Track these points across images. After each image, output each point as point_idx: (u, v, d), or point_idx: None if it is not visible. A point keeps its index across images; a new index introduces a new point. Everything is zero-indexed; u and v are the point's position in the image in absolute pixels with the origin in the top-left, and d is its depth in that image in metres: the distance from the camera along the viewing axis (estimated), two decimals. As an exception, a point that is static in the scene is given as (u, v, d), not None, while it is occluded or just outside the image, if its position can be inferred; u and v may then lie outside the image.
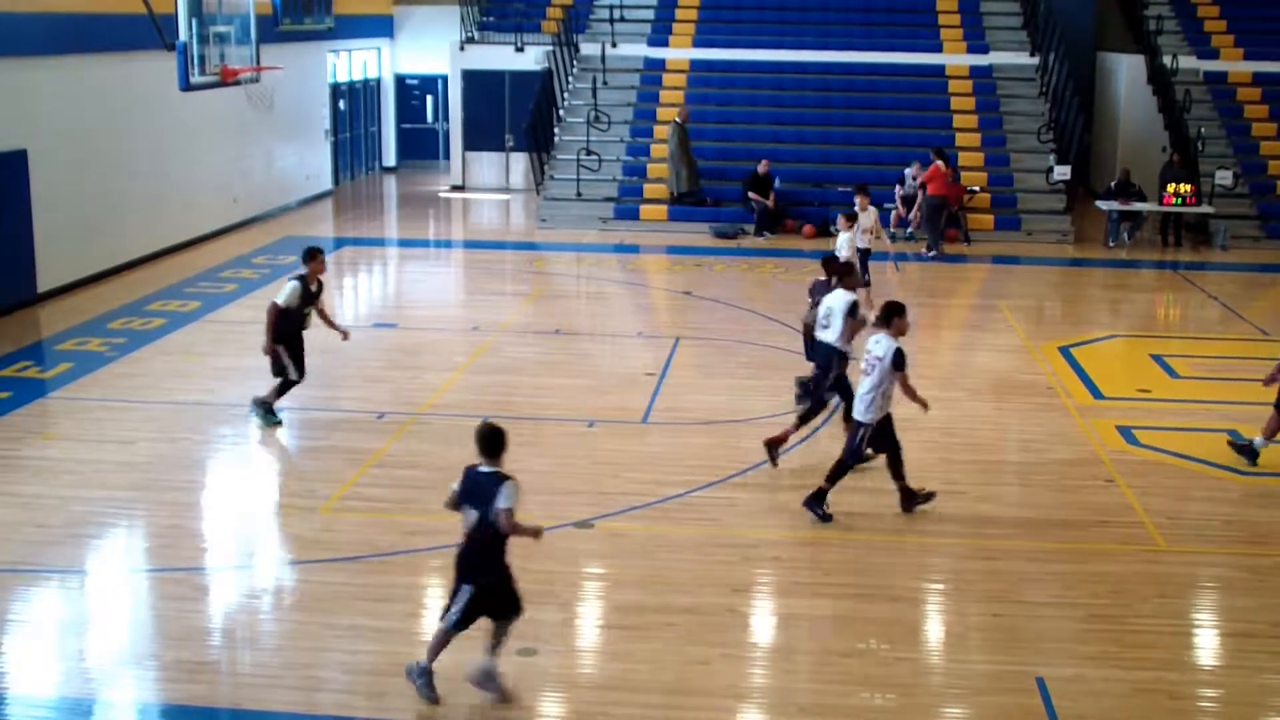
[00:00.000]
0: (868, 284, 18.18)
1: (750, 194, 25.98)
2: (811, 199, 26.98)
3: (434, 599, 10.23)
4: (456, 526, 11.02)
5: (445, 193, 31.51)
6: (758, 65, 30.21)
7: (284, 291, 13.66)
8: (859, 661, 9.06)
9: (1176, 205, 25.85)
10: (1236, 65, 30.00)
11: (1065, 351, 17.46)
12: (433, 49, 33.54)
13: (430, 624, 9.77)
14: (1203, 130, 27.81)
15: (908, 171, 25.78)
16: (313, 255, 13.91)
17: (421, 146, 35.84)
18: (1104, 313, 21.35)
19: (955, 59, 30.17)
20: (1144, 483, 12.60)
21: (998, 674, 8.95)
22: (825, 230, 25.93)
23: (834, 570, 10.55)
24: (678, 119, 26.55)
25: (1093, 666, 9.05)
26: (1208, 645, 9.76)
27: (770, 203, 25.91)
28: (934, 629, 9.89)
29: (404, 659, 8.98)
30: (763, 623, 9.91)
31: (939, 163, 24.72)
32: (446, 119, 33.47)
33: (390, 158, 35.72)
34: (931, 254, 24.46)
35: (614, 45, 30.50)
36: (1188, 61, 29.80)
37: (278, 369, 13.78)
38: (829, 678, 8.87)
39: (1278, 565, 10.83)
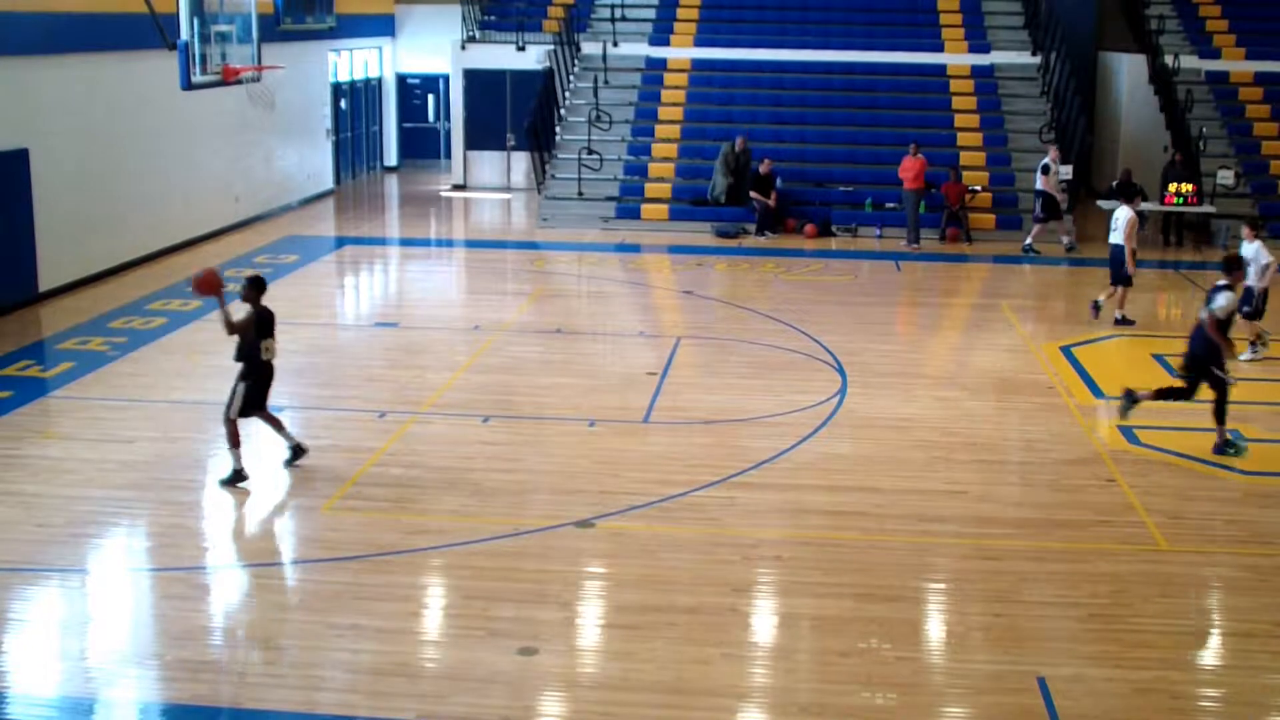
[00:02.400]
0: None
1: (752, 194, 25.97)
2: (813, 199, 26.98)
3: (435, 598, 10.25)
4: (458, 526, 11.12)
5: (446, 192, 31.53)
6: (759, 65, 30.23)
7: (1218, 300, 13.44)
8: (860, 661, 9.06)
9: (1178, 205, 25.83)
10: (1238, 65, 30.00)
11: (1067, 351, 17.45)
12: (434, 48, 33.60)
13: (431, 623, 9.79)
14: (1204, 130, 27.82)
15: (1048, 160, 25.49)
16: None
17: (423, 146, 35.88)
18: (1105, 312, 21.29)
19: (957, 58, 30.18)
20: (1145, 482, 12.59)
21: (999, 674, 8.94)
22: (827, 230, 26.02)
23: (835, 570, 10.54)
24: (737, 141, 26.71)
25: (1094, 666, 9.04)
26: (1209, 645, 9.75)
27: (772, 202, 25.91)
28: (935, 628, 9.87)
29: (405, 658, 9.00)
30: (764, 622, 9.90)
31: (910, 156, 24.87)
32: (448, 118, 33.49)
33: (392, 157, 35.74)
34: (914, 247, 24.70)
35: (615, 44, 30.51)
36: (1189, 61, 29.82)
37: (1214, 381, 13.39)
38: (830, 677, 8.86)
39: (1276, 564, 10.82)
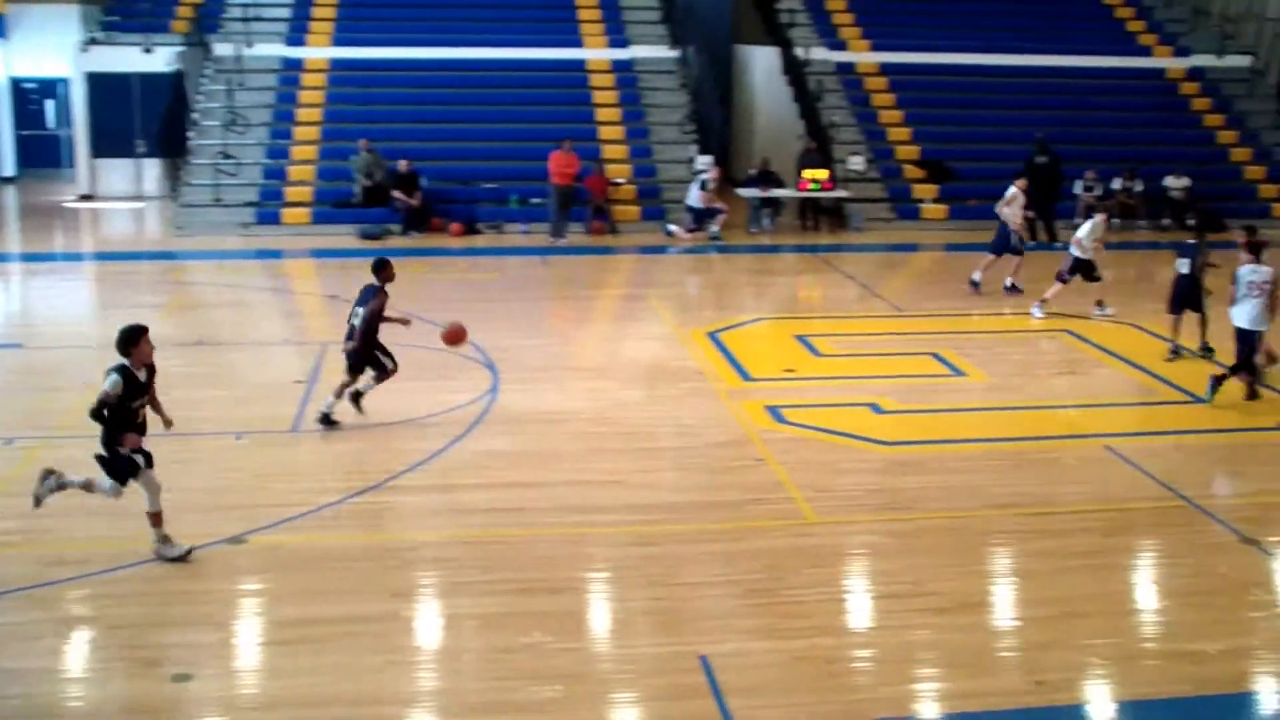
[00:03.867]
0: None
1: (394, 193, 25.64)
2: (458, 197, 26.82)
3: (78, 631, 9.61)
4: (100, 553, 10.48)
5: (72, 202, 29.82)
6: (400, 63, 29.83)
7: None
8: (525, 656, 9.00)
9: (813, 191, 26.92)
10: (864, 56, 31.47)
11: (713, 336, 17.89)
12: (52, 50, 31.64)
13: (75, 659, 9.16)
14: (835, 118, 29.09)
15: (705, 177, 26.00)
16: None
17: (43, 154, 33.73)
18: (749, 297, 22.01)
19: (596, 53, 30.58)
20: (793, 459, 13.00)
21: (662, 655, 9.04)
22: (472, 227, 25.91)
23: (496, 567, 10.44)
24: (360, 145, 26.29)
25: (752, 640, 9.26)
26: (858, 609, 10.12)
27: (416, 202, 25.63)
28: (598, 617, 9.92)
29: (49, 700, 8.40)
30: (427, 625, 9.72)
31: (560, 151, 25.08)
32: (70, 124, 31.69)
33: (8, 167, 33.48)
34: (560, 243, 24.93)
35: (249, 45, 29.55)
36: (819, 53, 31.07)
37: None
38: (496, 674, 8.77)
39: (919, 528, 11.34)
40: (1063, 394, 15.76)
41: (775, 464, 12.85)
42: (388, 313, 13.98)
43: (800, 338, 17.95)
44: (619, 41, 30.92)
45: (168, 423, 10.82)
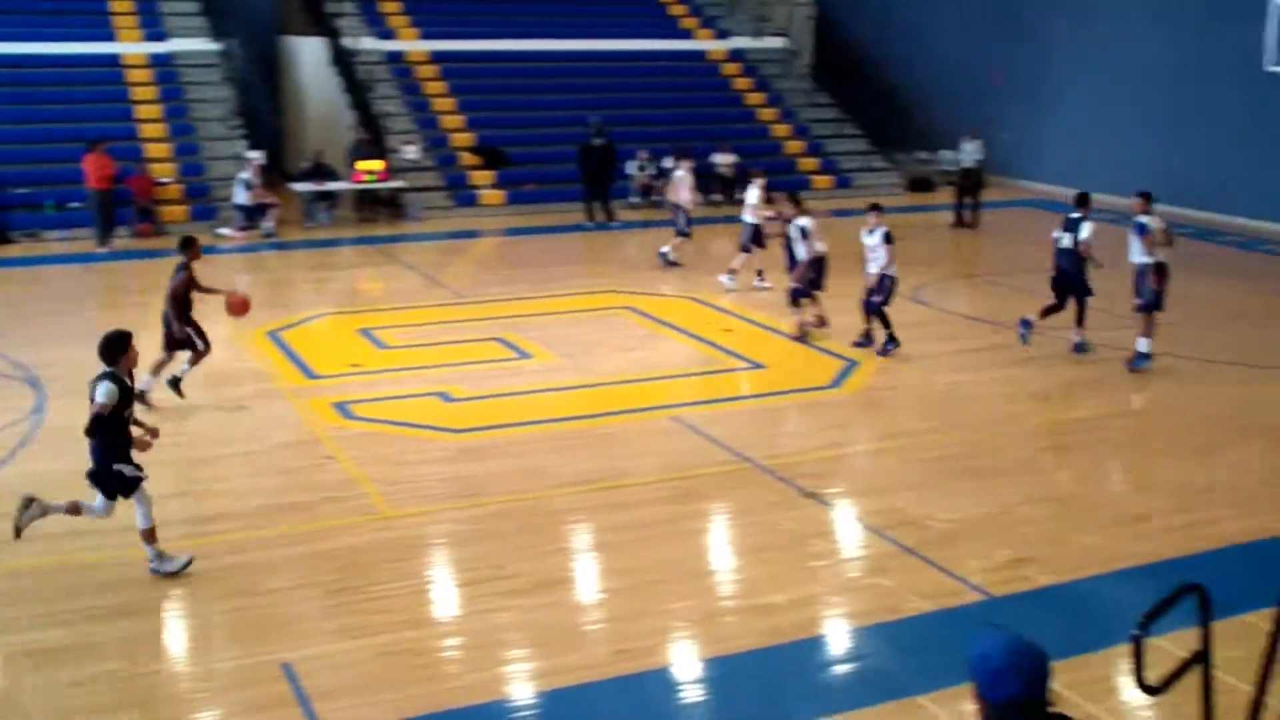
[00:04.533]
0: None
1: (-87, 204, 23.68)
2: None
3: None
4: None
5: None
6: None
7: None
8: (98, 686, 8.51)
9: (369, 182, 26.70)
10: (413, 45, 31.40)
11: (274, 336, 17.47)
12: None
13: None
14: (387, 109, 28.92)
15: (244, 175, 25.08)
16: None
17: None
18: (309, 293, 21.62)
19: (131, 47, 29.18)
20: (364, 455, 12.86)
21: (244, 668, 8.75)
22: (5, 237, 24.22)
23: (57, 596, 9.79)
24: None
25: (336, 641, 9.10)
26: (442, 598, 10.12)
27: (-60, 211, 23.78)
28: (175, 636, 9.55)
29: None
30: (-20, 667, 9.05)
31: (94, 154, 23.80)
32: None
33: None
34: (104, 249, 23.60)
35: None
36: (368, 42, 30.79)
37: None
38: (65, 710, 8.24)
39: (492, 512, 11.45)
40: (628, 369, 16.25)
41: (346, 461, 12.67)
42: (206, 284, 14.77)
43: (364, 331, 17.78)
44: (156, 34, 29.58)
45: (153, 432, 10.31)
